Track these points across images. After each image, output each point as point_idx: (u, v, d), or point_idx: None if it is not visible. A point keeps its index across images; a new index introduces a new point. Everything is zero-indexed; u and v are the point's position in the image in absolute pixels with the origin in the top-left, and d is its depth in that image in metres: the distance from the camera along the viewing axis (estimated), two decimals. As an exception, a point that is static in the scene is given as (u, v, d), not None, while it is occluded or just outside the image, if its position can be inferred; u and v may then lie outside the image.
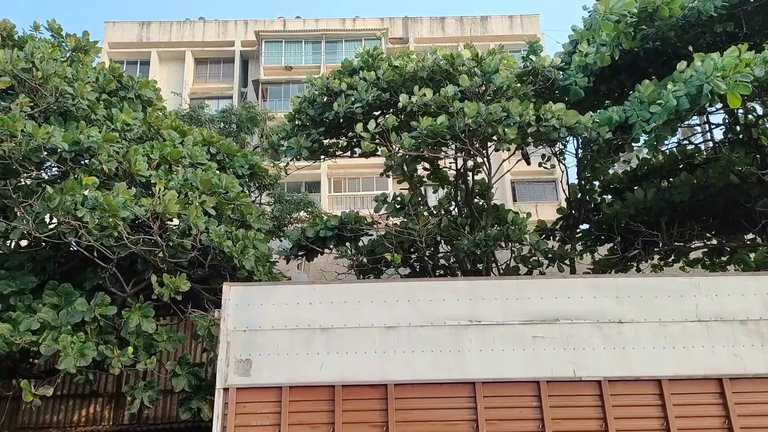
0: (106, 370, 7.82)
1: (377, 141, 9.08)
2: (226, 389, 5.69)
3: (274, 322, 5.95)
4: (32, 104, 8.48)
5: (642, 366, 5.79)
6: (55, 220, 7.69)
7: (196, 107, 16.44)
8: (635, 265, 10.08)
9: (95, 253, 7.78)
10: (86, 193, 7.53)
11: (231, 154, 10.68)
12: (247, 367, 5.74)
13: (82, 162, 8.72)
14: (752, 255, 10.10)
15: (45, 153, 7.97)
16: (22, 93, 8.41)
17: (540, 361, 5.84)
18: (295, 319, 5.97)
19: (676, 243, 9.85)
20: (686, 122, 9.21)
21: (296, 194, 16.12)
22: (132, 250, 7.86)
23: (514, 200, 23.39)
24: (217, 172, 9.68)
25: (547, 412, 5.63)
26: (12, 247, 8.39)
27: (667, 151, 10.87)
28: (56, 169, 8.79)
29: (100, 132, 8.47)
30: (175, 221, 8.44)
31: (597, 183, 11.06)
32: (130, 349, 7.51)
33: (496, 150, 9.92)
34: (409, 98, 8.70)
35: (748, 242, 10.23)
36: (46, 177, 8.96)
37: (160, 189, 8.01)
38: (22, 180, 8.39)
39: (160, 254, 8.06)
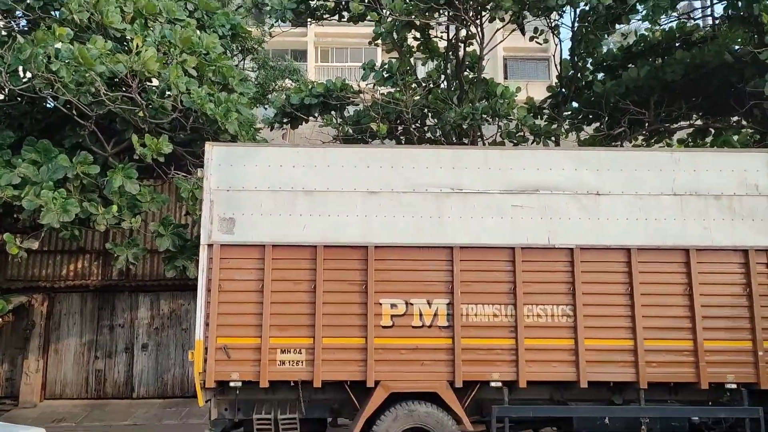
0: (91, 227, 7.96)
1: (367, 3, 8.58)
2: (210, 245, 5.84)
3: (257, 183, 5.98)
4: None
5: (614, 236, 6.01)
6: (29, 74, 7.37)
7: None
8: (620, 143, 10.12)
9: (73, 111, 7.57)
10: (59, 45, 7.15)
11: (211, 12, 10.08)
12: (231, 225, 5.85)
13: (52, 12, 8.20)
14: (736, 137, 10.18)
15: (12, 1, 7.46)
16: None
17: (517, 229, 6.02)
18: (279, 180, 6.00)
19: (662, 123, 9.84)
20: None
21: (281, 61, 15.50)
22: (110, 108, 7.65)
23: (506, 77, 22.78)
24: (197, 30, 9.19)
25: (519, 276, 5.91)
26: (-15, 101, 8.10)
27: (666, 27, 10.48)
28: (25, 20, 8.28)
29: (68, -21, 7.86)
30: (155, 81, 8.15)
31: (590, 60, 10.76)
32: (115, 207, 7.58)
33: (491, 20, 9.49)
34: (402, -45, 8.11)
35: (733, 123, 10.25)
36: (17, 28, 8.47)
37: (137, 45, 7.63)
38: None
39: (140, 114, 7.87)
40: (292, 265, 5.87)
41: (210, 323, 5.68)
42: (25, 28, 8.61)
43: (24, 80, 7.47)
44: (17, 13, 8.29)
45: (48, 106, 8.52)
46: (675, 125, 10.62)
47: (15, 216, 8.54)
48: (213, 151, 6.07)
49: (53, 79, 7.12)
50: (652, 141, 10.73)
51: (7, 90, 7.76)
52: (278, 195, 5.97)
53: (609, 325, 5.88)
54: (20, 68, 7.42)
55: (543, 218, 6.08)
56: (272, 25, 11.36)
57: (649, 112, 9.46)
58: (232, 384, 5.68)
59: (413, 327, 5.83)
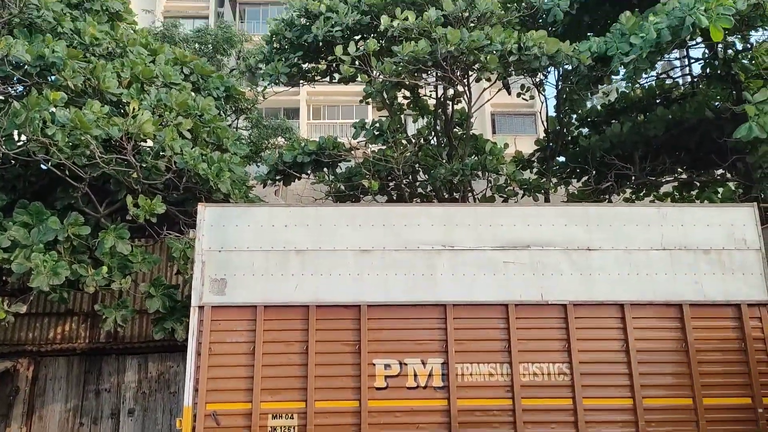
0: (80, 289, 7.86)
1: (357, 65, 8.86)
2: (201, 307, 5.79)
3: (249, 243, 5.99)
4: (-7, 14, 8.03)
5: (607, 291, 6.03)
6: (24, 137, 7.46)
7: (170, 26, 15.67)
8: (608, 197, 10.28)
9: (67, 173, 7.63)
10: (54, 109, 7.28)
11: (206, 75, 10.35)
12: (222, 286, 5.82)
13: (49, 78, 8.38)
14: (721, 190, 10.37)
15: (9, 67, 7.63)
16: (-18, 1, 7.94)
17: (510, 285, 6.03)
18: (271, 240, 6.01)
19: (648, 177, 10.03)
20: (666, 57, 9.16)
21: (274, 120, 15.80)
22: (104, 171, 7.72)
23: (494, 132, 23.32)
24: (192, 93, 9.41)
25: (513, 333, 5.88)
26: (-21, 164, 8.15)
27: (646, 85, 10.86)
28: (22, 85, 8.44)
29: (67, 46, 8.10)
30: (149, 142, 8.26)
31: (575, 116, 11.08)
32: (105, 268, 7.52)
33: (477, 80, 9.80)
34: (391, 21, 8.44)
35: (717, 177, 10.46)
36: (13, 93, 8.62)
37: (134, 108, 7.78)
38: (-15, 95, 8.06)
39: (134, 175, 7.93)
40: (283, 326, 5.82)
41: (199, 388, 5.56)
42: (22, 93, 8.77)
43: (19, 144, 7.55)
44: (14, 78, 8.48)
45: (42, 168, 8.58)
46: (660, 179, 10.83)
47: (3, 279, 8.45)
48: (206, 212, 6.12)
49: (48, 143, 7.21)
50: (641, 194, 10.91)
51: (1, 153, 7.84)
52: (270, 255, 5.98)
53: (606, 383, 5.81)
54: (15, 132, 7.53)
55: (535, 274, 6.11)
56: (265, 87, 11.65)
57: (634, 166, 9.67)
58: None
59: (408, 388, 5.74)
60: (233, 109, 12.03)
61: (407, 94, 10.89)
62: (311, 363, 5.66)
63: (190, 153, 8.00)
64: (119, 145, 7.80)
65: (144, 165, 7.96)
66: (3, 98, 8.12)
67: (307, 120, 25.52)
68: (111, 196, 8.52)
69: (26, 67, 7.60)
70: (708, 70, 10.00)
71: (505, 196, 9.98)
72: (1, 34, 7.91)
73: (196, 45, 15.02)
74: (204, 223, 6.03)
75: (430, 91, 10.95)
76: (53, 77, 8.37)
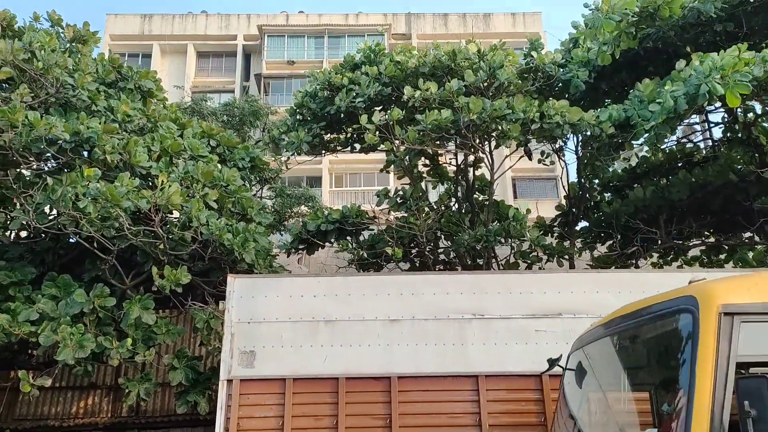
0: (104, 362, 7.81)
1: (380, 134, 9.06)
2: (230, 381, 5.67)
3: (278, 314, 5.93)
4: (32, 95, 8.44)
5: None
6: (54, 211, 7.66)
7: (199, 100, 16.34)
8: (634, 262, 10.11)
9: (95, 245, 7.76)
10: (89, 184, 7.49)
11: (231, 147, 10.64)
12: (251, 358, 5.73)
13: (82, 153, 8.70)
14: (750, 253, 10.15)
15: (45, 144, 7.94)
16: (23, 83, 8.37)
17: (543, 354, 5.84)
18: (299, 311, 5.95)
19: (674, 240, 9.88)
20: (686, 121, 9.23)
21: (297, 188, 16.10)
22: (132, 242, 7.84)
23: (515, 197, 23.43)
24: (218, 165, 9.67)
25: (549, 406, 5.64)
26: (11, 238, 8.34)
27: (667, 149, 10.91)
28: (54, 160, 8.76)
29: (100, 123, 8.44)
30: (176, 213, 8.42)
31: (597, 181, 11.09)
32: (129, 340, 7.49)
33: (497, 147, 9.94)
34: (414, 92, 8.69)
35: (745, 240, 10.27)
36: (46, 168, 8.93)
37: (162, 181, 7.98)
38: (21, 171, 8.36)
39: (161, 246, 8.03)
40: (313, 399, 5.66)
41: None
42: (53, 169, 9.08)
43: (50, 217, 7.75)
44: (47, 154, 8.80)
45: (71, 241, 8.74)
46: (687, 243, 10.67)
47: (29, 352, 8.44)
48: (235, 284, 6.11)
49: (78, 216, 7.38)
50: (668, 259, 10.72)
51: (32, 227, 8.03)
52: (299, 326, 5.91)
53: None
54: (46, 207, 7.74)
55: (568, 343, 5.92)
56: (288, 157, 11.92)
57: (660, 230, 9.56)
58: None
59: None
60: (258, 179, 12.31)
61: (427, 162, 11.06)
62: None
63: (215, 224, 8.11)
64: (146, 217, 7.96)
65: (171, 236, 8.08)
66: (36, 173, 8.41)
67: (329, 188, 25.96)
68: (137, 268, 8.61)
69: (61, 143, 7.90)
70: (728, 134, 10.03)
71: (529, 261, 9.88)
72: (38, 112, 8.28)
73: (224, 117, 15.59)
74: (233, 294, 6.01)
75: (450, 159, 11.11)
76: (88, 152, 8.67)
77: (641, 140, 8.74)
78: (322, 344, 5.83)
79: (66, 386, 10.42)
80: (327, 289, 6.08)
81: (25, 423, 9.97)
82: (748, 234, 10.18)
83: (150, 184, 8.68)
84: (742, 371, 3.41)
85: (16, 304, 7.29)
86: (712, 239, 10.65)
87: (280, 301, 5.99)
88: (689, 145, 10.85)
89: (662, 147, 10.28)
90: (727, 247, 10.62)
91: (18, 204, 7.71)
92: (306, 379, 5.70)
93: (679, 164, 10.40)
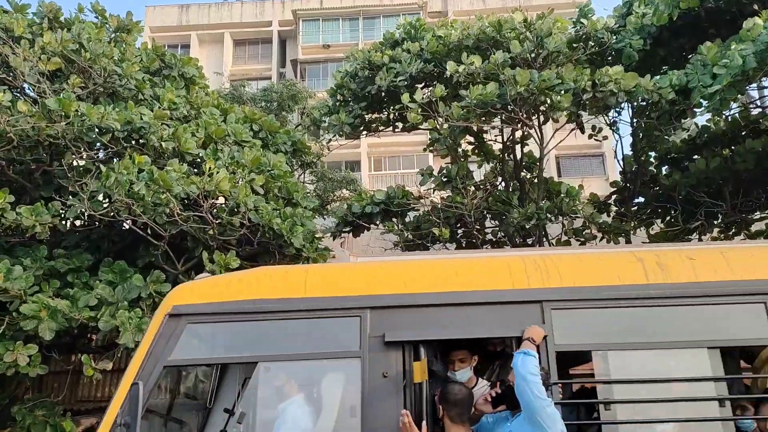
0: (160, 345, 7.94)
1: (423, 112, 8.85)
2: None
3: None
4: (81, 85, 8.57)
5: None
6: (108, 199, 7.78)
7: (238, 86, 16.40)
8: (697, 237, 9.63)
9: (148, 231, 7.86)
10: (143, 169, 7.59)
11: (273, 132, 10.61)
12: None
13: (132, 141, 8.81)
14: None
15: (97, 133, 8.05)
16: (73, 74, 8.50)
17: None
18: None
19: (739, 213, 9.35)
20: (754, 84, 8.65)
21: (338, 172, 16.05)
22: (182, 228, 7.91)
23: (559, 175, 22.75)
24: (261, 150, 9.65)
25: None
26: (68, 226, 8.54)
27: (729, 117, 10.29)
28: (105, 148, 8.90)
29: (151, 111, 8.50)
30: (221, 199, 8.45)
31: (653, 153, 10.58)
32: (184, 324, 7.57)
33: (545, 121, 9.58)
34: (457, 67, 8.42)
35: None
36: (97, 157, 9.09)
37: (210, 167, 8.01)
38: (74, 160, 8.52)
39: (210, 232, 8.08)
40: None
41: None
42: (105, 158, 9.24)
43: (104, 205, 7.88)
44: (97, 144, 8.95)
45: (124, 228, 8.90)
46: (752, 216, 10.10)
47: (89, 336, 8.67)
48: None
49: (131, 203, 7.48)
50: (731, 233, 10.19)
51: (86, 215, 8.19)
52: None
53: None
54: (100, 195, 7.87)
55: None
56: (330, 139, 11.84)
57: (725, 203, 9.05)
58: None
59: None
60: (300, 163, 12.29)
61: (471, 139, 10.77)
62: None
63: (265, 208, 8.10)
64: (195, 203, 8.01)
65: (219, 221, 8.12)
66: (90, 162, 8.56)
67: (368, 171, 25.85)
68: (188, 253, 8.70)
69: (113, 132, 8.00)
70: (799, 98, 9.39)
71: (582, 239, 9.55)
72: (87, 102, 8.40)
73: (263, 103, 15.61)
74: None
75: (495, 136, 10.80)
76: (135, 141, 8.78)
77: (703, 107, 8.27)
78: None
79: (123, 368, 10.70)
80: None
81: (87, 404, 10.31)
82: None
83: (195, 171, 8.74)
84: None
85: (75, 290, 7.46)
86: (779, 211, 10.03)
87: None
88: (755, 111, 10.20)
89: (726, 114, 9.69)
90: (795, 220, 10.00)
91: (72, 193, 7.86)
92: None
93: (744, 132, 9.79)
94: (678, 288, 3.85)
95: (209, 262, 7.80)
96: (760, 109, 10.38)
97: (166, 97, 9.13)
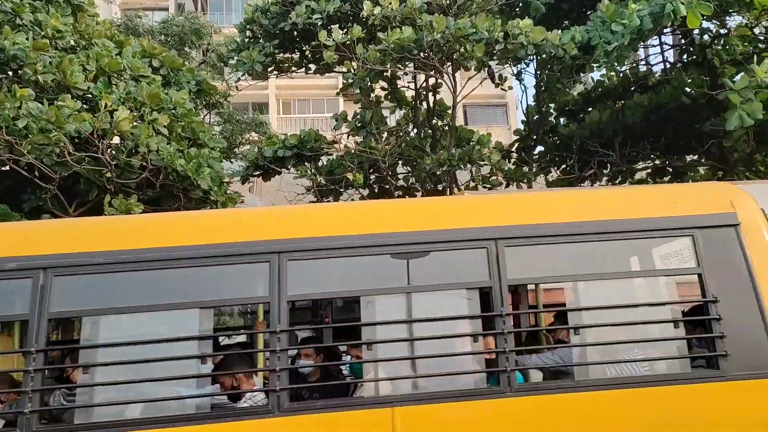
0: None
1: (339, 54, 8.63)
2: None
3: None
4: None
5: None
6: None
7: (133, 17, 15.01)
8: (590, 184, 10.36)
9: (35, 173, 7.18)
10: (28, 104, 6.83)
11: (176, 69, 9.91)
12: None
13: (7, 72, 7.87)
14: (693, 176, 10.58)
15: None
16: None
17: None
18: None
19: (627, 163, 10.14)
20: (647, 42, 9.25)
21: (246, 114, 15.39)
22: (76, 170, 7.30)
23: (466, 123, 23.30)
24: (161, 86, 9.00)
25: None
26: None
27: (621, 73, 10.98)
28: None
29: (28, 39, 7.61)
30: (116, 139, 7.86)
31: (553, 105, 11.12)
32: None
33: (457, 69, 9.70)
34: (374, 7, 8.24)
35: (690, 163, 10.67)
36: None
37: (105, 104, 7.37)
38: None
39: (107, 174, 7.54)
40: None
41: None
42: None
43: (-20, 142, 7.06)
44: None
45: (4, 169, 8.07)
46: (636, 166, 10.98)
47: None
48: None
49: (14, 141, 6.76)
50: (617, 182, 11.06)
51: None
52: None
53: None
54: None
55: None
56: (239, 78, 11.30)
57: (615, 153, 9.75)
58: None
59: None
60: (204, 104, 11.64)
61: (384, 85, 10.71)
62: None
63: (166, 149, 7.64)
64: (86, 143, 7.39)
65: (116, 163, 7.57)
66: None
67: (277, 115, 25.03)
68: (81, 197, 8.08)
69: (-14, 60, 7.10)
70: (684, 56, 10.16)
71: (489, 186, 9.94)
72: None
73: (162, 37, 14.44)
74: None
75: (408, 82, 10.80)
76: (14, 72, 7.87)
77: (601, 62, 8.74)
78: None
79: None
80: None
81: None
82: (695, 156, 10.55)
83: (87, 107, 8.02)
84: None
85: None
86: (658, 162, 10.99)
87: None
88: (643, 68, 10.95)
89: (618, 70, 10.32)
90: (671, 170, 11.00)
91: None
92: None
93: (632, 88, 10.52)
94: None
95: (109, 206, 7.31)
96: (646, 66, 11.14)
97: (50, 24, 8.18)
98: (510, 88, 11.14)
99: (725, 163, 9.70)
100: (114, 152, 7.63)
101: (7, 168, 7.88)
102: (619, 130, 9.91)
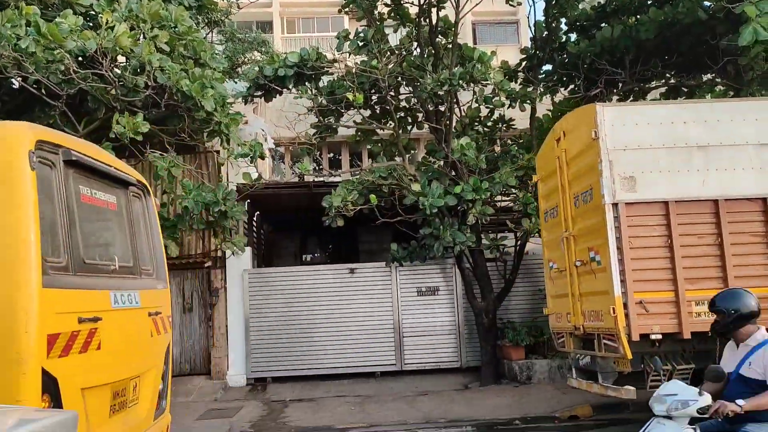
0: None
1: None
2: (615, 204, 5.88)
3: (651, 141, 5.99)
4: None
5: None
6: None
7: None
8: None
9: (42, 90, 7.28)
10: (35, 20, 6.83)
11: (176, -16, 9.67)
12: (632, 183, 5.90)
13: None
14: (709, 96, 10.36)
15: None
16: None
17: None
18: (672, 137, 6.01)
19: (638, 82, 9.92)
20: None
21: (249, 33, 15.08)
22: (81, 87, 7.38)
23: (475, 42, 22.55)
24: (162, 2, 8.85)
25: None
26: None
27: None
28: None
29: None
30: (121, 58, 7.85)
31: (564, 20, 10.77)
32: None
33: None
34: None
35: (704, 82, 10.41)
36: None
37: (106, 21, 7.32)
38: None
39: (113, 92, 7.60)
40: (693, 220, 5.95)
41: (626, 279, 5.74)
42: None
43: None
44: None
45: (13, 86, 8.16)
46: (648, 85, 10.75)
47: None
48: (605, 113, 6.03)
49: (20, 59, 6.81)
50: (628, 101, 10.89)
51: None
52: (673, 151, 6.01)
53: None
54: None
55: None
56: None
57: (625, 71, 9.54)
58: (652, 337, 5.72)
59: None
60: (205, 21, 11.44)
61: (387, 1, 10.42)
62: (726, 253, 5.81)
63: (172, 68, 7.63)
64: (93, 61, 7.41)
65: (122, 82, 7.61)
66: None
67: (281, 34, 24.38)
68: (89, 115, 8.20)
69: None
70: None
71: (491, 107, 9.87)
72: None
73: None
74: (604, 123, 5.94)
75: (412, -1, 10.48)
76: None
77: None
78: (698, 169, 5.97)
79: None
80: (695, 115, 6.10)
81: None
82: (709, 75, 10.28)
83: (90, 25, 7.95)
84: None
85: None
86: (672, 81, 10.73)
87: (651, 129, 6.02)
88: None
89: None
90: (686, 89, 10.76)
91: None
92: (686, 202, 5.93)
93: (649, 2, 10.11)
94: None
95: (116, 124, 7.43)
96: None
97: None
98: (519, 3, 10.79)
99: (740, 82, 9.44)
100: (120, 71, 7.65)
101: (17, 85, 7.99)
102: (630, 47, 9.60)
